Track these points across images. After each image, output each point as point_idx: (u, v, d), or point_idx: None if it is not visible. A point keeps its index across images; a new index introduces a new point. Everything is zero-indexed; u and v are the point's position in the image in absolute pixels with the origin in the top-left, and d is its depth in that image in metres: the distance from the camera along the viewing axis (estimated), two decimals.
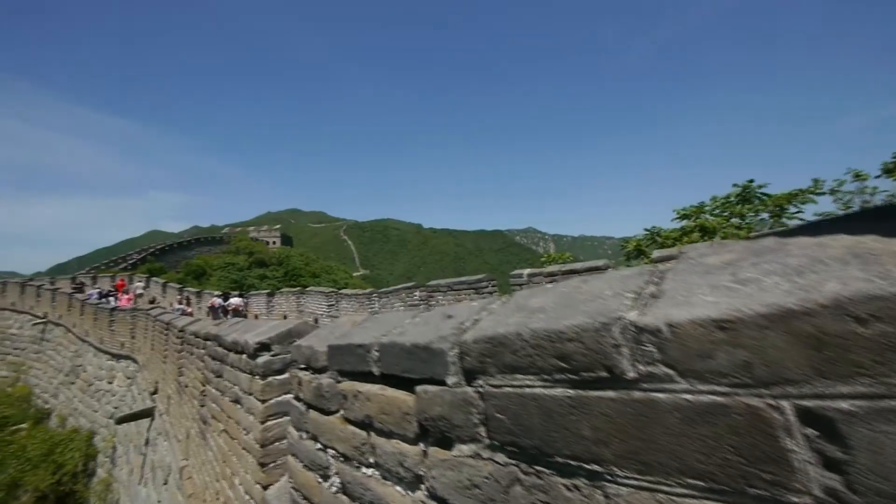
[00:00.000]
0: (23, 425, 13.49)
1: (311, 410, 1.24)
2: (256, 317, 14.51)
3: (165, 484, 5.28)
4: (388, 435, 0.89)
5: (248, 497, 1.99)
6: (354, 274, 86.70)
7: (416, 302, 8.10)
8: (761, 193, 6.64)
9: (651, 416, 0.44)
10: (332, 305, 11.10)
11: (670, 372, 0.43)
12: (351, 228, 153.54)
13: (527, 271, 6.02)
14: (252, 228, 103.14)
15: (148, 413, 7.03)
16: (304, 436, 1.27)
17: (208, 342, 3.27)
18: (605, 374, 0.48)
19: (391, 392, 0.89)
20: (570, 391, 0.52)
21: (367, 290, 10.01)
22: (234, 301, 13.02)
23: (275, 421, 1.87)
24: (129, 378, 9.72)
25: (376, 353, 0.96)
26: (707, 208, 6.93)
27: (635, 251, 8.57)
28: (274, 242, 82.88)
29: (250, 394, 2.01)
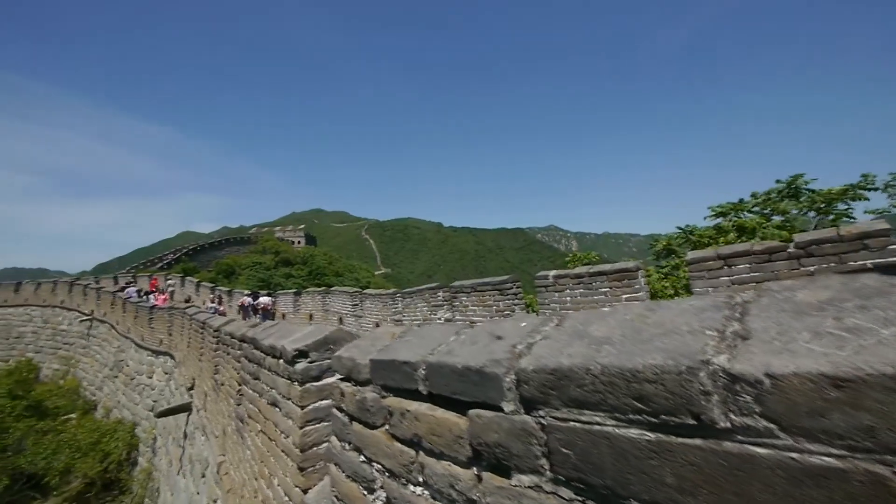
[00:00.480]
0: (73, 415, 14.47)
1: (354, 423, 1.26)
2: (284, 315, 14.95)
3: (203, 477, 5.53)
4: (439, 456, 0.89)
5: (287, 499, 2.05)
6: (376, 273, 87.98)
7: (440, 302, 8.12)
8: (809, 189, 6.23)
9: (748, 471, 0.41)
10: (357, 305, 11.29)
11: (772, 426, 0.40)
12: (372, 228, 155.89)
13: (552, 273, 5.91)
14: (278, 228, 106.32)
15: (185, 408, 7.37)
16: (347, 447, 1.29)
17: (244, 344, 3.39)
18: (691, 420, 0.46)
19: (441, 413, 0.89)
20: (649, 434, 0.50)
21: (391, 291, 10.11)
22: (264, 300, 13.47)
23: (313, 426, 1.91)
24: (167, 373, 10.23)
25: (423, 372, 0.96)
26: (746, 205, 6.58)
27: (665, 250, 8.28)
28: (298, 242, 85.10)
29: (288, 398, 2.06)
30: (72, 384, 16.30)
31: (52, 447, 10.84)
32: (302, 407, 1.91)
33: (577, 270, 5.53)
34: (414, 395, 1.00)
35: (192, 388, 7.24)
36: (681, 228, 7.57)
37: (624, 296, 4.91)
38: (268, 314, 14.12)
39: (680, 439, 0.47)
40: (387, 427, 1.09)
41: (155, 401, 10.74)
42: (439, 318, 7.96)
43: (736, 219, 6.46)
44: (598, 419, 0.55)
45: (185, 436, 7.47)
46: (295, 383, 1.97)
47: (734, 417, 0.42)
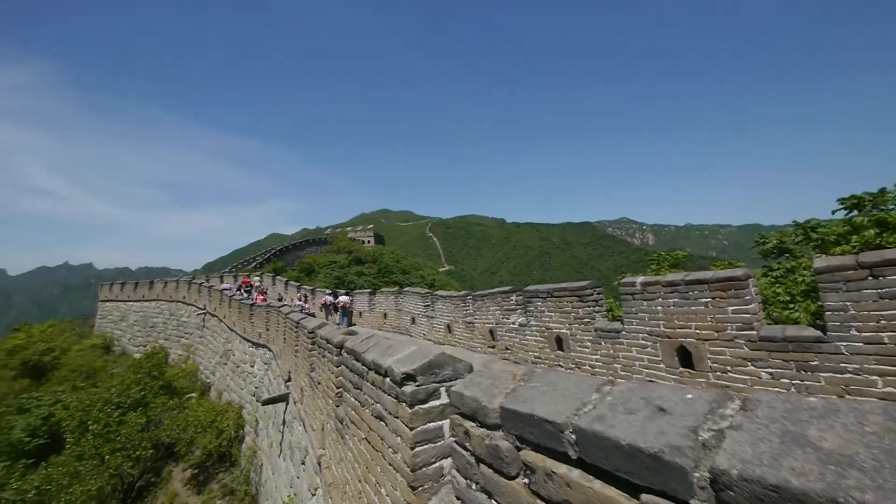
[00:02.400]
0: (192, 395, 17.06)
1: (482, 465, 1.27)
2: (360, 314, 15.95)
3: (303, 464, 6.13)
4: None
5: None
6: (440, 270, 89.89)
7: (513, 307, 8.00)
8: None
9: None
10: (428, 306, 11.61)
11: None
12: (436, 226, 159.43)
13: (640, 279, 5.46)
14: (349, 229, 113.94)
15: (284, 398, 8.23)
16: (475, 487, 1.32)
17: (343, 353, 3.66)
18: None
19: (600, 487, 0.86)
20: None
21: (462, 293, 10.21)
22: (343, 299, 14.52)
23: (422, 447, 1.99)
24: (265, 364, 11.55)
25: (572, 436, 0.93)
26: (890, 195, 5.41)
27: (777, 249, 7.19)
28: (368, 241, 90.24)
29: (396, 417, 2.17)
30: (191, 368, 19.20)
31: (183, 423, 12.87)
32: (412, 428, 2.00)
33: (670, 277, 5.04)
34: (559, 455, 0.98)
35: (288, 380, 8.05)
36: (798, 224, 6.49)
37: (730, 308, 4.36)
38: (346, 312, 15.18)
39: None
40: (525, 481, 1.08)
41: (256, 387, 12.20)
42: (513, 323, 7.85)
43: (878, 212, 5.34)
44: None
45: (283, 422, 8.35)
46: (403, 404, 2.07)
47: None
